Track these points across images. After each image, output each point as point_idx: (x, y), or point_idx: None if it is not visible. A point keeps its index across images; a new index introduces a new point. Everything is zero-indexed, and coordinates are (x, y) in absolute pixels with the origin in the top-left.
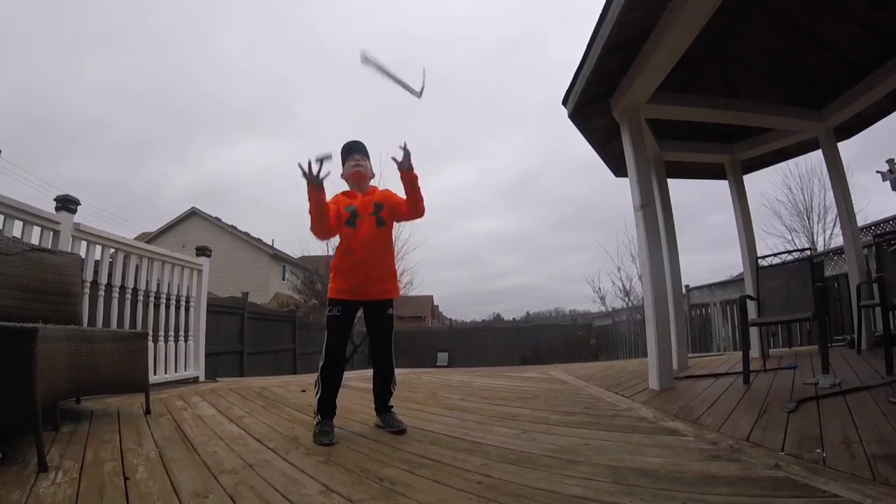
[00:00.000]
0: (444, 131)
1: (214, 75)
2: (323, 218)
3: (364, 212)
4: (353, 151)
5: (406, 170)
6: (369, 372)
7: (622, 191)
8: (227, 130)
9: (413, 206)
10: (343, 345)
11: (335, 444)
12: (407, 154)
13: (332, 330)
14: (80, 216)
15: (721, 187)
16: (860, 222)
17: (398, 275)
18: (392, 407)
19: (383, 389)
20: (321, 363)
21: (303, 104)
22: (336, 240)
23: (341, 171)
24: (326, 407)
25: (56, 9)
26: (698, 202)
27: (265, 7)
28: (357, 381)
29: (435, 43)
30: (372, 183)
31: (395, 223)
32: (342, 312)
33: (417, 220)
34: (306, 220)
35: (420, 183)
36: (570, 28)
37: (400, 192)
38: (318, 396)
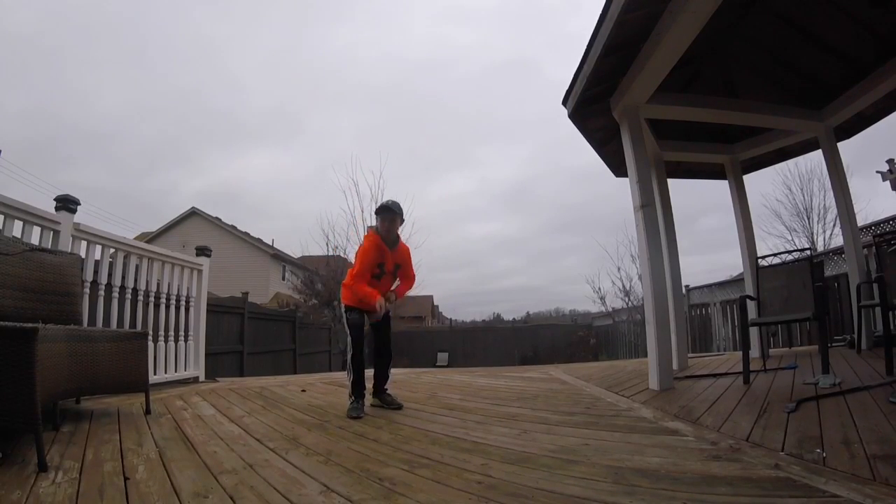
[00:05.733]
0: (445, 142)
1: (229, 93)
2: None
3: (389, 269)
4: (387, 211)
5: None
6: (371, 371)
7: (620, 194)
8: (239, 143)
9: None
10: (363, 337)
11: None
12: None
13: (353, 327)
14: (83, 218)
15: (717, 188)
16: (860, 223)
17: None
18: (388, 390)
19: (383, 375)
20: (349, 353)
21: (311, 119)
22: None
23: (377, 224)
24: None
25: (81, 29)
26: (693, 204)
27: (277, 31)
28: None
29: (435, 64)
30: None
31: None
32: (359, 314)
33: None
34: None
35: (404, 292)
36: (562, 52)
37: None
38: (351, 379)
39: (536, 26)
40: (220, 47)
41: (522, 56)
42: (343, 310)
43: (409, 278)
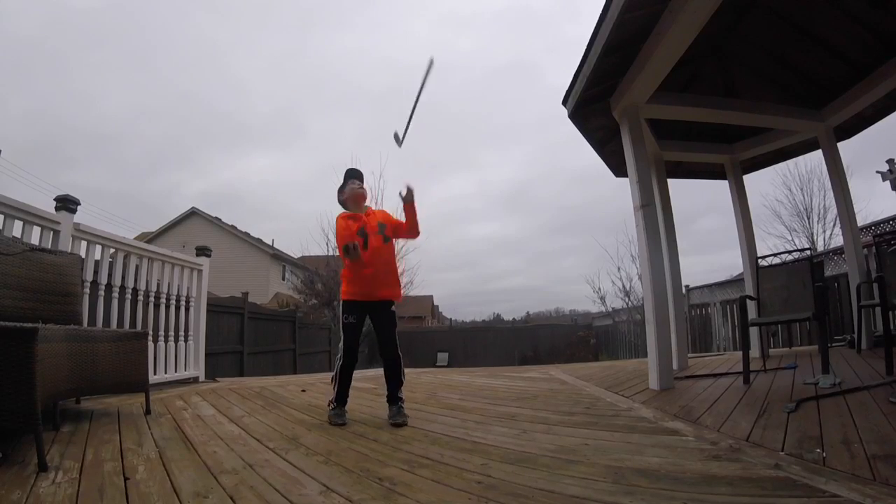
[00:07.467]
0: (444, 146)
1: (232, 95)
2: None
3: (372, 231)
4: (354, 177)
5: (409, 203)
6: (372, 371)
7: (620, 195)
8: (241, 145)
9: (410, 229)
10: (356, 346)
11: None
12: (410, 191)
13: (348, 334)
14: (85, 218)
15: (717, 188)
16: (860, 223)
17: (399, 275)
18: (402, 400)
19: (392, 378)
20: (340, 363)
21: (313, 121)
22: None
23: (342, 194)
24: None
25: (85, 32)
26: (693, 204)
27: (280, 36)
28: (358, 381)
29: (436, 68)
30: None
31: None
32: (357, 319)
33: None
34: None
35: (417, 209)
36: (561, 56)
37: (395, 213)
38: (336, 389)
39: (535, 31)
40: (223, 51)
41: (522, 60)
42: (340, 311)
43: (406, 228)
